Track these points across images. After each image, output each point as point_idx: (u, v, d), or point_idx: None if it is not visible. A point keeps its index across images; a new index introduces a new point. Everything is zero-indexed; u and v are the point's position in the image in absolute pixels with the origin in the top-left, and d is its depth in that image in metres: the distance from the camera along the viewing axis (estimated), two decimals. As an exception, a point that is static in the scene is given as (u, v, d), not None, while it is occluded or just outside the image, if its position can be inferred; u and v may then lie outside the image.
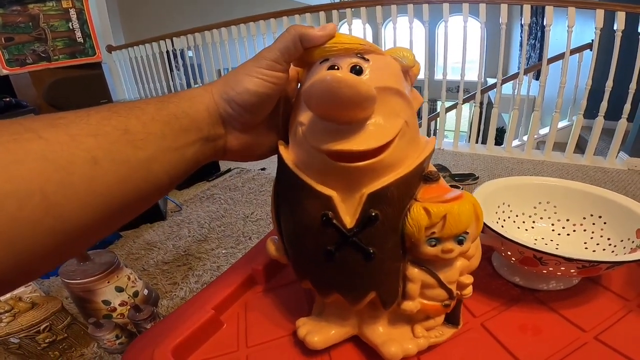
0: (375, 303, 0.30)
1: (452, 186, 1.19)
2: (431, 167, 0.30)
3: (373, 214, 0.26)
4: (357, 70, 0.26)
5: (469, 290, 0.31)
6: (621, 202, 0.41)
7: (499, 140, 3.20)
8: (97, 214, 0.22)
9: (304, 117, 0.28)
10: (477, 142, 2.22)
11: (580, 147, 2.19)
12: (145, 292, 0.83)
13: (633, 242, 0.38)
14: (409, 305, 0.30)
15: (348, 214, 0.27)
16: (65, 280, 0.73)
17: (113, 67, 3.48)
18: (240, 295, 0.42)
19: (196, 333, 0.35)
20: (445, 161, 1.93)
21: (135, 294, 0.80)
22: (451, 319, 0.34)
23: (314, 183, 0.27)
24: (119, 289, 0.77)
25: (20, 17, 1.66)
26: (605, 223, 0.42)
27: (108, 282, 0.75)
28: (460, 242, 0.27)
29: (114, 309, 0.76)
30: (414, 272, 0.29)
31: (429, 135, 2.42)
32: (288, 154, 0.30)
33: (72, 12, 1.79)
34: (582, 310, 0.37)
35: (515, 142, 2.78)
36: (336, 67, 0.26)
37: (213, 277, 1.05)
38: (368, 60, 0.27)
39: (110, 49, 3.35)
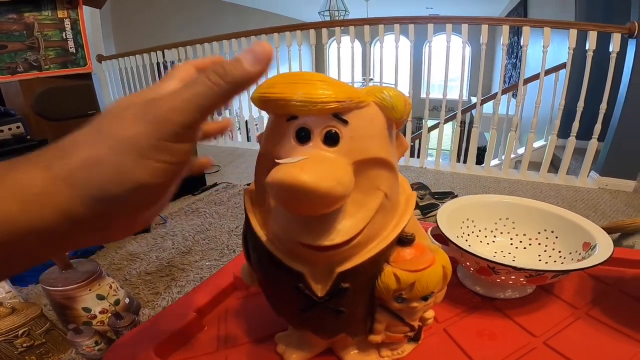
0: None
1: (431, 204, 1.22)
2: (408, 229, 0.28)
3: (344, 286, 0.26)
4: (332, 136, 0.23)
5: (430, 321, 0.34)
6: (571, 218, 0.45)
7: (481, 159, 3.30)
8: None
9: None
10: (458, 161, 2.29)
11: (556, 166, 2.28)
12: (127, 300, 0.84)
13: (579, 254, 0.42)
14: (376, 339, 0.32)
15: (319, 284, 0.26)
16: (45, 287, 0.74)
17: (102, 77, 3.48)
18: (222, 300, 0.45)
19: (178, 334, 0.37)
20: (426, 180, 1.99)
21: (117, 302, 0.81)
22: (414, 338, 0.37)
23: (285, 258, 0.26)
24: (100, 297, 0.78)
25: (16, 25, 1.67)
26: (557, 237, 0.46)
27: (89, 290, 0.76)
28: (426, 299, 0.29)
29: (94, 317, 0.77)
30: (381, 315, 0.31)
31: (412, 154, 2.47)
32: (255, 217, 0.28)
33: (67, 22, 1.81)
34: (534, 317, 0.41)
35: (496, 161, 2.87)
36: (307, 129, 0.23)
37: (196, 287, 1.05)
38: (346, 122, 0.23)
39: (100, 58, 3.36)
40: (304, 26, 2.51)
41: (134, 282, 1.09)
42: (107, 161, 0.17)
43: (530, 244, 0.48)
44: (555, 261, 0.45)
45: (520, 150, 2.84)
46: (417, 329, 0.34)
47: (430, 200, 1.56)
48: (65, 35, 1.82)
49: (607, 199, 1.68)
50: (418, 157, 2.40)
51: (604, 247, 0.39)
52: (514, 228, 0.49)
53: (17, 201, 0.16)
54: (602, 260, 0.36)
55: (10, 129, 1.52)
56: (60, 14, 1.79)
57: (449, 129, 2.74)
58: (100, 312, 0.78)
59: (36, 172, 0.17)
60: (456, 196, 1.76)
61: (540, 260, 0.46)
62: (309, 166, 0.20)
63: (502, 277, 0.38)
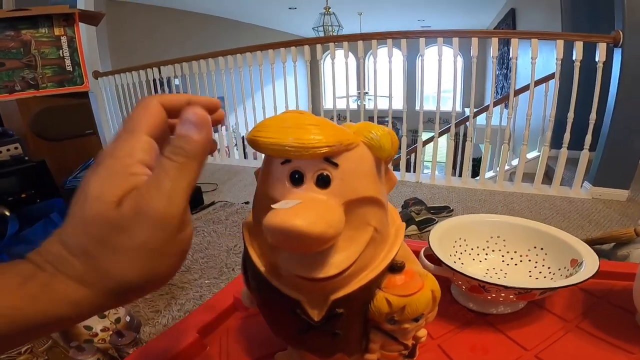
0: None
1: (427, 219, 1.26)
2: (398, 257, 0.30)
3: (339, 311, 0.27)
4: (323, 179, 0.24)
5: (424, 339, 0.36)
6: (559, 235, 0.47)
7: (477, 170, 3.33)
8: None
9: None
10: (454, 174, 2.30)
11: (550, 177, 2.31)
12: (128, 318, 0.85)
13: (568, 270, 0.44)
14: (371, 357, 0.34)
15: (315, 310, 0.28)
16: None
17: (98, 94, 3.50)
18: (223, 320, 0.46)
19: (182, 353, 0.38)
20: (422, 194, 2.01)
21: (118, 321, 0.82)
22: (409, 355, 0.39)
23: (282, 287, 0.27)
24: (101, 315, 0.79)
25: (13, 43, 1.68)
26: (546, 254, 0.48)
27: (91, 310, 0.77)
28: (417, 320, 0.31)
29: (96, 334, 0.78)
30: (375, 336, 0.32)
31: (408, 169, 2.48)
32: (254, 248, 0.29)
33: (64, 39, 1.82)
34: (526, 331, 0.42)
35: (491, 173, 2.90)
36: (300, 172, 0.25)
37: (196, 305, 1.06)
38: (337, 165, 0.24)
39: (96, 75, 3.38)
40: (298, 42, 2.55)
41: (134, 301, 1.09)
42: (132, 268, 0.19)
43: (521, 261, 0.50)
44: (545, 277, 0.46)
45: (515, 162, 2.87)
46: (411, 347, 0.36)
47: (426, 215, 1.58)
48: (62, 53, 1.83)
49: (600, 208, 1.71)
50: (414, 171, 2.43)
51: (590, 264, 0.41)
52: (504, 246, 0.51)
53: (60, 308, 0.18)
54: (586, 278, 0.38)
55: (8, 149, 1.53)
56: (57, 31, 1.81)
57: (444, 140, 2.77)
58: (101, 330, 0.79)
59: (79, 288, 0.18)
60: (452, 210, 1.79)
61: (530, 276, 0.48)
62: (302, 211, 0.22)
63: (493, 295, 0.40)
